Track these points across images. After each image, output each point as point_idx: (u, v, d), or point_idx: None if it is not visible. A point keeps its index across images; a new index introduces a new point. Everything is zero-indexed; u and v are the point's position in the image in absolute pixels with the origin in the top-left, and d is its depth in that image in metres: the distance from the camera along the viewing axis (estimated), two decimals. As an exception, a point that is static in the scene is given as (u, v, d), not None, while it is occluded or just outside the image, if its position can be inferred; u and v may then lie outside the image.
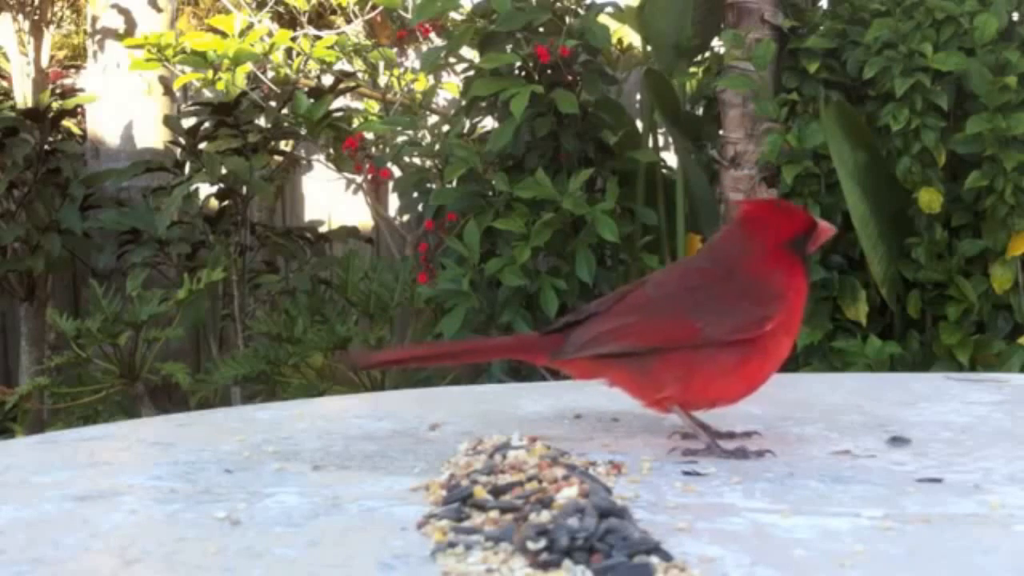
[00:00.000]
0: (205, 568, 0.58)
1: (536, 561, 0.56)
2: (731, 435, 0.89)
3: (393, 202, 3.28)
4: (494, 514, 0.63)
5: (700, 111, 2.88)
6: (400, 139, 3.07)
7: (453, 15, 2.94)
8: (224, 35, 2.99)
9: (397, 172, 3.01)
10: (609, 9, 2.79)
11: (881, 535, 0.63)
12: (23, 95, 3.35)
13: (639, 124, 2.89)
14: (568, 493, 0.64)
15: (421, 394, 1.29)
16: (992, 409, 1.02)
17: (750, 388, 0.87)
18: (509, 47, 2.58)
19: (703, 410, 0.89)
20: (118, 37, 3.28)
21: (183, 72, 3.08)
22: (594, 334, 0.87)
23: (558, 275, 2.47)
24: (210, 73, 2.98)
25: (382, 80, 3.43)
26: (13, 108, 3.29)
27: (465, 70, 2.79)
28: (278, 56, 3.21)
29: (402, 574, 0.57)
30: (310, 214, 4.05)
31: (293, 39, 3.20)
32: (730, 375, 0.85)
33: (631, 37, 3.14)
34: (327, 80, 3.36)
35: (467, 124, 2.76)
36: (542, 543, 0.57)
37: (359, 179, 3.05)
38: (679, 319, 0.85)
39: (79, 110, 3.45)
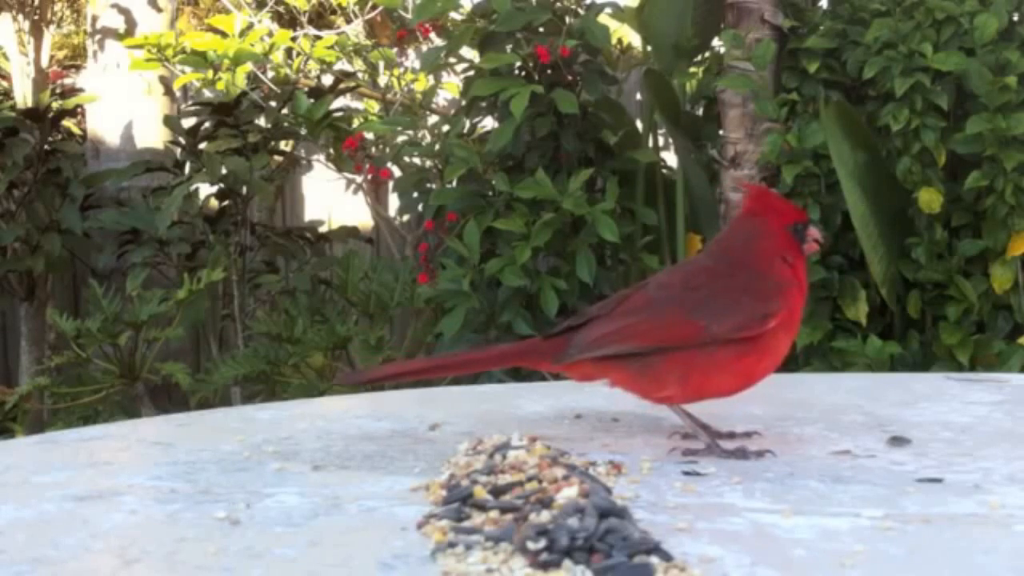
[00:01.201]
0: (205, 568, 0.58)
1: (536, 561, 0.56)
2: (731, 435, 0.89)
3: (393, 202, 3.28)
4: (494, 514, 0.63)
5: (700, 111, 2.87)
6: (400, 139, 3.07)
7: (453, 15, 2.94)
8: (224, 35, 2.99)
9: (397, 172, 3.01)
10: (609, 9, 2.79)
11: (881, 535, 0.63)
12: (23, 95, 3.35)
13: (639, 124, 2.89)
14: (568, 493, 0.64)
15: (421, 394, 1.29)
16: (992, 409, 1.02)
17: (748, 383, 0.88)
18: (509, 47, 2.57)
19: (699, 401, 0.89)
20: (118, 37, 3.28)
21: (183, 72, 3.08)
22: (597, 336, 0.87)
23: (558, 275, 2.47)
24: (210, 73, 2.98)
25: (382, 80, 3.43)
26: (13, 108, 3.29)
27: (465, 70, 2.79)
28: (278, 56, 3.21)
29: (402, 574, 0.57)
30: (310, 214, 4.05)
31: (293, 39, 3.20)
32: (730, 371, 0.86)
33: (631, 37, 3.14)
34: (327, 80, 3.36)
35: (467, 124, 2.76)
36: (542, 543, 0.57)
37: (359, 179, 3.05)
38: (683, 319, 0.86)
39: (79, 110, 3.45)
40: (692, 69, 2.83)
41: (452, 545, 0.59)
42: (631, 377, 0.87)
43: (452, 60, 2.84)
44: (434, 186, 2.73)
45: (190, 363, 3.01)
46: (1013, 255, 2.35)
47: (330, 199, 3.72)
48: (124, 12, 3.32)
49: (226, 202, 3.10)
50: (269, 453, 0.86)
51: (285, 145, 3.21)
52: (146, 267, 3.00)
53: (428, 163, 2.88)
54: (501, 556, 0.57)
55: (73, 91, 3.46)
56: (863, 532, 0.63)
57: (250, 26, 3.08)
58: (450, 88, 3.33)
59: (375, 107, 3.46)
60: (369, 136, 3.12)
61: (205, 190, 3.12)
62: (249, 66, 3.04)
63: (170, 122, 3.15)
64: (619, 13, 2.90)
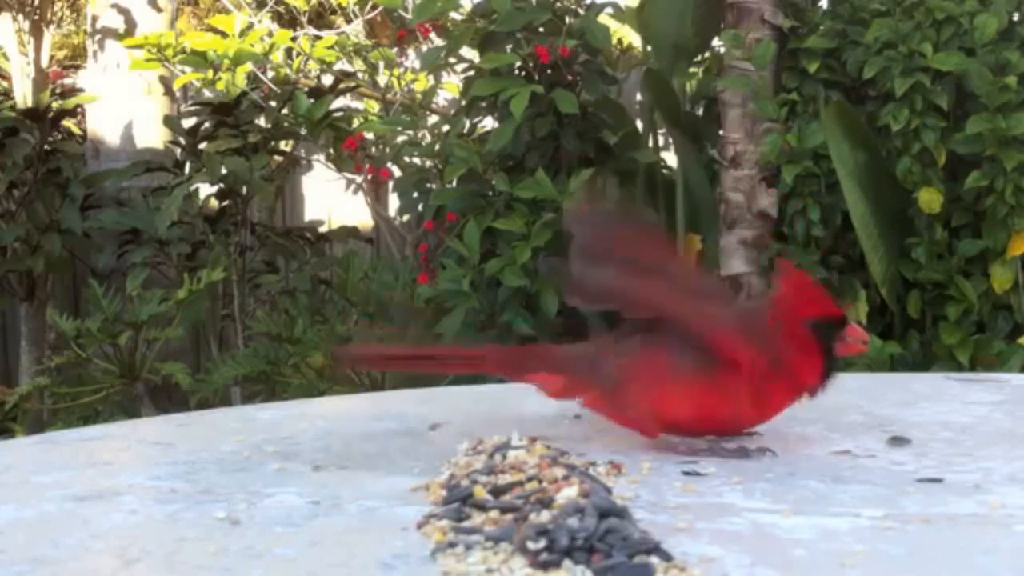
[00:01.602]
0: (205, 568, 0.58)
1: (536, 561, 0.56)
2: (731, 435, 0.89)
3: (393, 202, 3.28)
4: (494, 514, 0.63)
5: (700, 111, 2.87)
6: (400, 139, 3.07)
7: (453, 15, 2.94)
8: (224, 35, 2.99)
9: (397, 172, 3.01)
10: (609, 9, 2.79)
11: (881, 535, 0.63)
12: (23, 95, 3.35)
13: (639, 124, 2.89)
14: (568, 493, 0.64)
15: (421, 394, 1.29)
16: (992, 409, 1.02)
17: (712, 425, 0.86)
18: (509, 47, 2.57)
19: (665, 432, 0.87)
20: (118, 37, 3.29)
21: (183, 72, 3.08)
22: (600, 287, 0.86)
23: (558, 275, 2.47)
24: (210, 73, 2.98)
25: (382, 80, 3.43)
26: (13, 108, 3.29)
27: (465, 70, 2.79)
28: (278, 56, 3.21)
29: (402, 574, 0.57)
30: (310, 214, 4.05)
31: (293, 39, 3.20)
32: (694, 404, 0.84)
33: (631, 37, 3.14)
34: (327, 80, 3.36)
35: (467, 124, 2.76)
36: (542, 543, 0.57)
37: (359, 179, 3.05)
38: (684, 301, 0.84)
39: (79, 110, 3.45)
40: (692, 69, 2.83)
41: (452, 545, 0.59)
42: (601, 400, 0.87)
43: (452, 60, 2.84)
44: (434, 186, 2.73)
45: (190, 363, 3.01)
46: (1013, 255, 2.35)
47: (330, 199, 3.72)
48: (124, 12, 3.32)
49: (226, 202, 3.10)
50: (269, 453, 0.86)
51: (285, 145, 3.21)
52: (146, 267, 3.00)
53: (428, 163, 2.88)
54: (501, 556, 0.57)
55: (73, 91, 3.46)
56: (863, 532, 0.63)
57: (250, 26, 3.08)
58: (450, 88, 3.33)
59: (375, 107, 3.46)
60: (369, 136, 3.12)
61: (205, 190, 3.12)
62: (249, 66, 3.04)
63: (170, 122, 3.16)
64: (619, 13, 2.90)
